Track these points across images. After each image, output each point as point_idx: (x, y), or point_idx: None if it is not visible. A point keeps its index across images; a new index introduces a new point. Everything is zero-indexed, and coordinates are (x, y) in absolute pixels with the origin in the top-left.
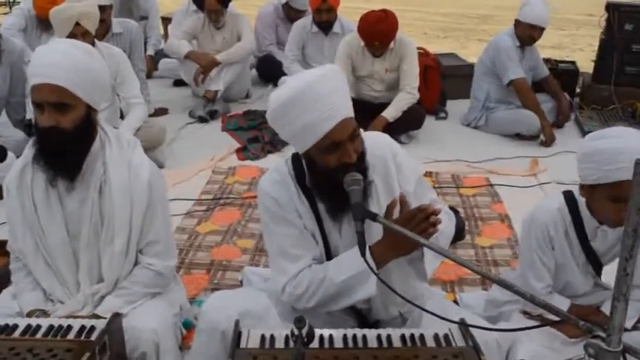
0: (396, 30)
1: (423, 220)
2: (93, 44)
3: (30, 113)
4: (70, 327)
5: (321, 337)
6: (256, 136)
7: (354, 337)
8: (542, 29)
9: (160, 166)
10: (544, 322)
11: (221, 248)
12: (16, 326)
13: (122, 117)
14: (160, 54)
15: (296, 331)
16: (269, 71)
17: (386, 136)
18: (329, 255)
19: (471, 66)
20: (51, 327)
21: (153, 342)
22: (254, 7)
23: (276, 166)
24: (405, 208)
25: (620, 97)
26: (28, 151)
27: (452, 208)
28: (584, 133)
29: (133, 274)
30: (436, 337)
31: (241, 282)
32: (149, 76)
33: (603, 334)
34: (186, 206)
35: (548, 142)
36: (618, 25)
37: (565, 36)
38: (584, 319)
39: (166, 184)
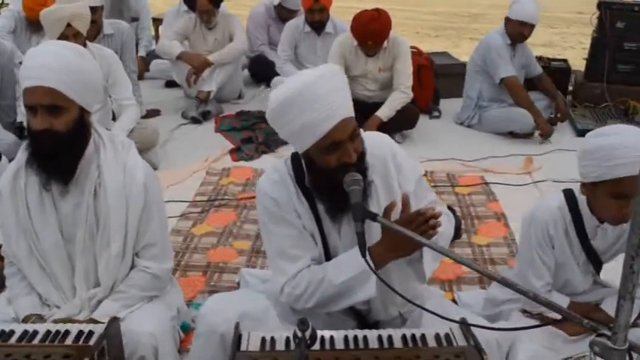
0: (390, 29)
1: (422, 223)
2: (84, 45)
3: (21, 116)
4: (67, 332)
5: (322, 339)
6: (250, 136)
7: (355, 338)
8: (532, 26)
9: (154, 167)
10: (546, 321)
11: (217, 250)
12: (12, 332)
13: (114, 119)
14: (152, 55)
15: (299, 334)
16: (261, 71)
17: (385, 136)
18: (328, 256)
19: (464, 65)
20: (48, 332)
21: (151, 346)
22: (245, 7)
23: (275, 166)
24: (406, 209)
25: (613, 94)
26: (21, 154)
27: (449, 207)
28: (577, 131)
29: (130, 277)
30: (437, 336)
31: (238, 284)
32: (140, 77)
33: (608, 332)
34: (180, 208)
35: (545, 135)
36: (610, 23)
37: (555, 34)
38: (587, 317)
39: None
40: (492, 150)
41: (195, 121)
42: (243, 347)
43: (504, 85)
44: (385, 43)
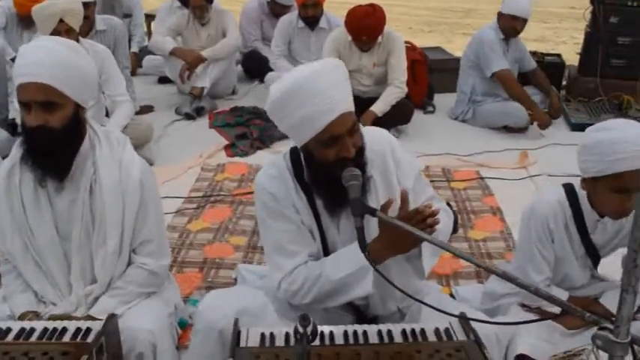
0: (384, 24)
1: (420, 221)
2: (77, 41)
3: (13, 112)
4: (65, 329)
5: (322, 334)
6: (244, 132)
7: (355, 333)
8: (524, 20)
9: (150, 163)
10: (546, 315)
11: (213, 246)
12: (9, 330)
13: (107, 115)
14: (144, 51)
15: (301, 329)
16: (255, 67)
17: (384, 132)
18: (326, 251)
19: (458, 60)
20: (45, 330)
21: (149, 342)
22: (238, 2)
23: (273, 161)
24: (405, 205)
25: (606, 89)
26: (16, 151)
27: (446, 203)
28: (571, 125)
29: (127, 273)
30: (437, 331)
31: (235, 280)
32: (133, 73)
33: (610, 326)
34: (176, 204)
35: (543, 126)
36: (604, 18)
37: (548, 29)
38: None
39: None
40: (487, 144)
41: (188, 117)
42: (242, 343)
43: (497, 78)
44: (380, 38)
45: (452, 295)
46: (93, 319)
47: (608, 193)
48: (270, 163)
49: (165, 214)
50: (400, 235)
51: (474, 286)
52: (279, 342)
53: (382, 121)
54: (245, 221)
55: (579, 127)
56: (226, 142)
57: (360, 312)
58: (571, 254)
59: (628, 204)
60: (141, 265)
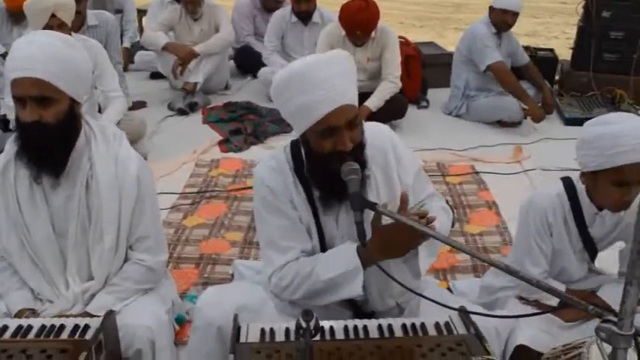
0: (378, 19)
1: (413, 232)
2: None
3: (5, 109)
4: (62, 326)
5: (322, 329)
6: (238, 127)
7: (355, 328)
8: (515, 14)
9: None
10: (543, 308)
11: (209, 242)
12: (6, 327)
13: (100, 111)
14: (136, 46)
15: (304, 324)
16: (247, 62)
17: (386, 128)
18: (324, 246)
19: (450, 54)
20: (43, 327)
21: (148, 339)
22: None
23: (273, 153)
24: (404, 206)
25: (599, 83)
26: (10, 147)
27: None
28: (564, 119)
29: (124, 270)
30: (437, 325)
31: (232, 275)
32: (125, 69)
33: (614, 318)
34: (170, 200)
35: (537, 119)
36: (596, 12)
37: (539, 24)
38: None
39: None
40: (481, 139)
41: (182, 112)
42: (242, 339)
43: (491, 71)
44: (373, 33)
45: (449, 290)
46: (90, 316)
47: (608, 186)
48: (271, 156)
49: (160, 209)
50: (393, 241)
51: (471, 280)
52: (280, 337)
53: (376, 116)
54: (241, 217)
55: (572, 122)
56: (220, 138)
57: (358, 307)
58: (569, 248)
59: (628, 197)
60: (138, 262)
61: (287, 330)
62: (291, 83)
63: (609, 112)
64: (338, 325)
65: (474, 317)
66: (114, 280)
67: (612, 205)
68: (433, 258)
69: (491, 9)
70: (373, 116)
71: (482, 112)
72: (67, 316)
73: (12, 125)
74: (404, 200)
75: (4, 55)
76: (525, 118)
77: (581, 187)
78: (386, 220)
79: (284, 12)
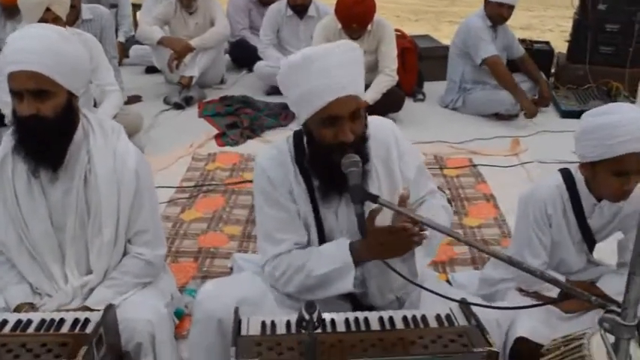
0: (374, 12)
1: (405, 237)
2: None
3: None
4: (62, 320)
5: (323, 321)
6: (234, 121)
7: (356, 320)
8: (511, 7)
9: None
10: (543, 299)
11: (207, 235)
12: (5, 322)
13: (95, 105)
14: (131, 41)
15: (307, 316)
16: (243, 56)
17: (389, 121)
18: (322, 239)
19: (446, 48)
20: (42, 321)
21: (148, 333)
22: None
23: (276, 143)
24: (405, 205)
25: (595, 76)
26: (7, 141)
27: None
28: (561, 112)
29: (123, 263)
30: (438, 317)
31: (231, 269)
32: (120, 63)
33: (618, 309)
34: (168, 194)
35: (530, 115)
36: (592, 5)
37: (534, 17)
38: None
39: None
40: (478, 132)
41: (177, 106)
42: (243, 332)
43: (486, 65)
44: (370, 26)
45: (448, 282)
46: (89, 309)
47: (608, 176)
48: (273, 145)
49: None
50: (386, 243)
51: (470, 273)
52: (281, 330)
53: (373, 110)
54: (239, 210)
55: (569, 114)
56: (216, 132)
57: (357, 301)
58: (568, 239)
59: (627, 186)
60: (137, 255)
61: (288, 322)
62: (299, 70)
63: (605, 104)
64: (339, 317)
65: (474, 309)
66: (113, 274)
67: (612, 195)
68: (430, 258)
69: (487, 2)
70: (370, 109)
71: (478, 105)
72: (67, 310)
73: (7, 120)
74: (404, 200)
75: None
76: (522, 110)
77: (579, 178)
78: (382, 222)
79: (279, 5)
